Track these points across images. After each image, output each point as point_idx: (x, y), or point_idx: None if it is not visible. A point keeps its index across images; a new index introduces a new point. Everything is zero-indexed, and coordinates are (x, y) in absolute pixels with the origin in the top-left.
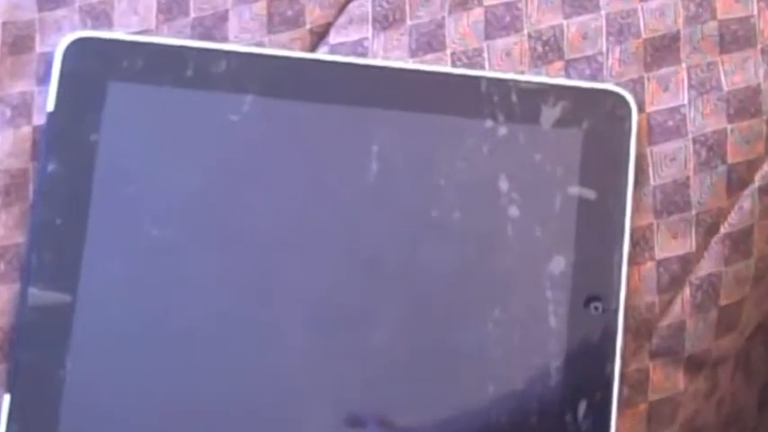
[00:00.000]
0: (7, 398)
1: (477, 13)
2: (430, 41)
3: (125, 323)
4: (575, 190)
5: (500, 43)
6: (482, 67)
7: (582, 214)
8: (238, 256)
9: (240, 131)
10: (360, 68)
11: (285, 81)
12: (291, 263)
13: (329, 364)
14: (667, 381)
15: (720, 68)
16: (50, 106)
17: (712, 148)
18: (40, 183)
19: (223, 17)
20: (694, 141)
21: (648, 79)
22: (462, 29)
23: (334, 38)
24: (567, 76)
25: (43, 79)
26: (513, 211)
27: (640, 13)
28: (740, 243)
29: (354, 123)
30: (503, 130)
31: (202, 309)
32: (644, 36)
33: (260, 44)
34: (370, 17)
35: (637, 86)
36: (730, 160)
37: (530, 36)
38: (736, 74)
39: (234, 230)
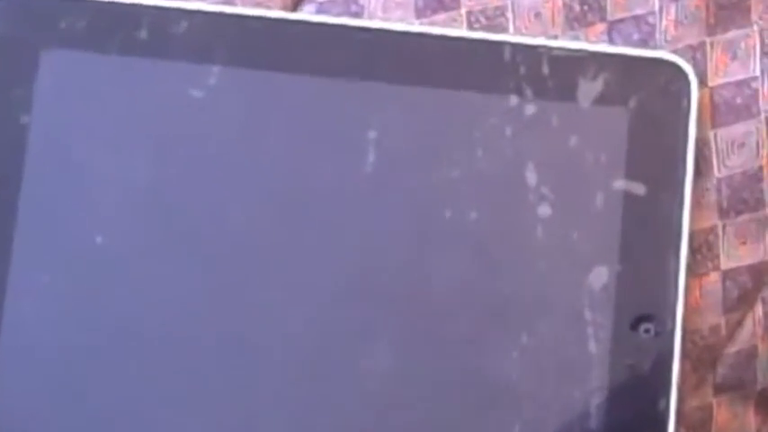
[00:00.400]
0: None
1: None
2: None
3: (62, 351)
4: (620, 183)
5: (527, 0)
6: (505, 31)
7: (629, 214)
8: (205, 270)
9: (206, 110)
10: (353, 32)
11: (261, 48)
12: (270, 275)
13: (317, 401)
14: (735, 420)
15: None
16: None
17: None
18: None
19: None
20: None
21: (712, 45)
22: None
23: None
24: (611, 41)
25: None
26: (544, 210)
27: None
28: None
29: (346, 101)
30: (531, 109)
31: (160, 332)
32: None
33: (229, 2)
34: None
35: (697, 54)
36: None
37: None
38: None
39: (199, 237)
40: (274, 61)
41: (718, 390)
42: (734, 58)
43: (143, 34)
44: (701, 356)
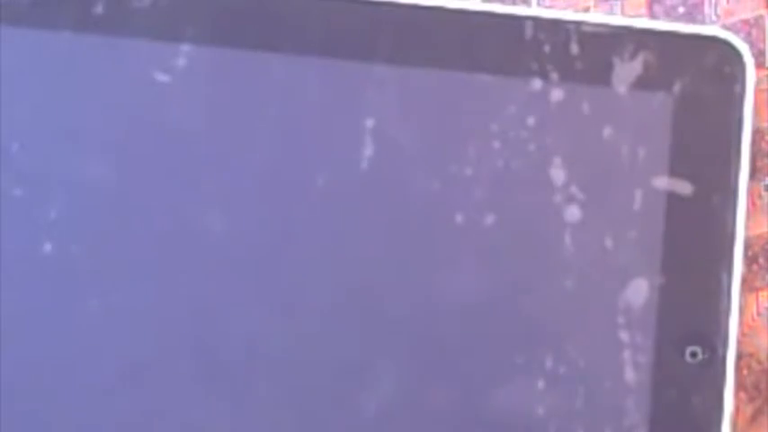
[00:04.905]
0: None
1: None
2: None
3: (7, 387)
4: (663, 182)
5: None
6: (527, 3)
7: (673, 217)
8: (175, 284)
9: (173, 96)
10: (347, 4)
11: (238, 23)
12: (251, 289)
13: None
14: None
15: None
16: None
17: None
18: None
19: None
20: None
21: None
22: None
23: None
24: (652, 16)
25: None
26: (573, 213)
27: None
28: None
29: (339, 85)
30: (557, 95)
31: (122, 360)
32: None
33: None
34: None
35: (753, 31)
36: None
37: None
38: None
39: (167, 246)
40: (254, 38)
41: None
42: None
43: (100, 8)
44: (758, 384)
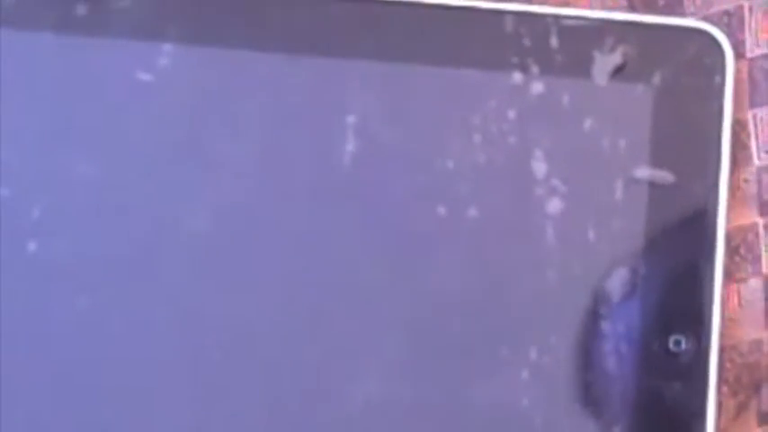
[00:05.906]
0: None
1: None
2: None
3: None
4: (644, 172)
5: None
6: None
7: (655, 207)
8: (158, 282)
9: (156, 95)
10: (328, 1)
11: (219, 22)
12: (235, 286)
13: None
14: None
15: None
16: None
17: None
18: None
19: None
20: None
21: (750, 10)
22: None
23: None
24: (632, 8)
25: None
26: (555, 205)
27: None
28: None
29: (320, 82)
30: (538, 88)
31: (106, 356)
32: None
33: None
34: None
35: (733, 21)
36: None
37: None
38: None
39: (150, 243)
40: (235, 37)
41: (764, 418)
42: None
43: (81, 9)
44: (740, 378)
